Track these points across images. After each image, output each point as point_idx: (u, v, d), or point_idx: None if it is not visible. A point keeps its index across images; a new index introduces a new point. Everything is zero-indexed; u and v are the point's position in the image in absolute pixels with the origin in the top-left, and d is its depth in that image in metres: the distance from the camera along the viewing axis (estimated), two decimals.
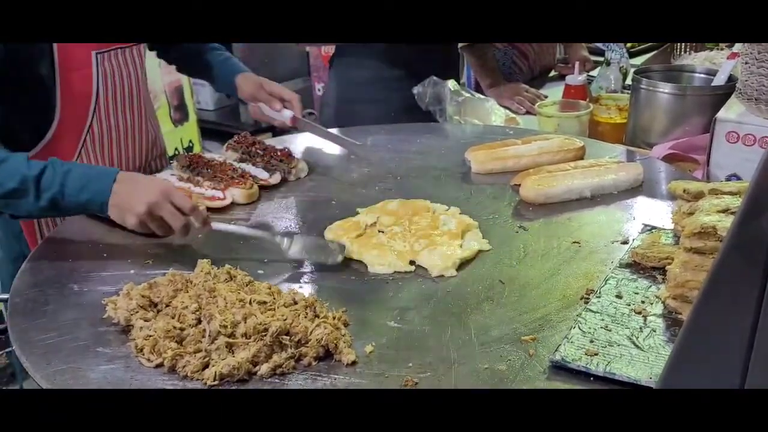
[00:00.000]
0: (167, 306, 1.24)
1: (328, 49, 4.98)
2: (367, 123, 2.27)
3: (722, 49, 2.94)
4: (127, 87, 1.79)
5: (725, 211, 1.26)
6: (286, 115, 1.95)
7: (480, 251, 1.46)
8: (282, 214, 1.70)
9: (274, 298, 1.24)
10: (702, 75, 2.09)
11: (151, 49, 2.09)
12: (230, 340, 1.13)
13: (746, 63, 1.59)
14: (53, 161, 1.43)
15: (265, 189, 1.81)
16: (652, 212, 1.61)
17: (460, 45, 2.68)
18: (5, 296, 1.34)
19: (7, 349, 2.41)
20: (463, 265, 1.42)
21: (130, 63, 1.79)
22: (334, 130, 2.09)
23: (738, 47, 2.18)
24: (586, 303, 1.26)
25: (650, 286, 1.29)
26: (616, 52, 2.59)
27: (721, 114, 1.65)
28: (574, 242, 1.49)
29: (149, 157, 1.95)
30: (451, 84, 2.29)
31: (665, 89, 1.93)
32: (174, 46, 2.06)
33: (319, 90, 5.35)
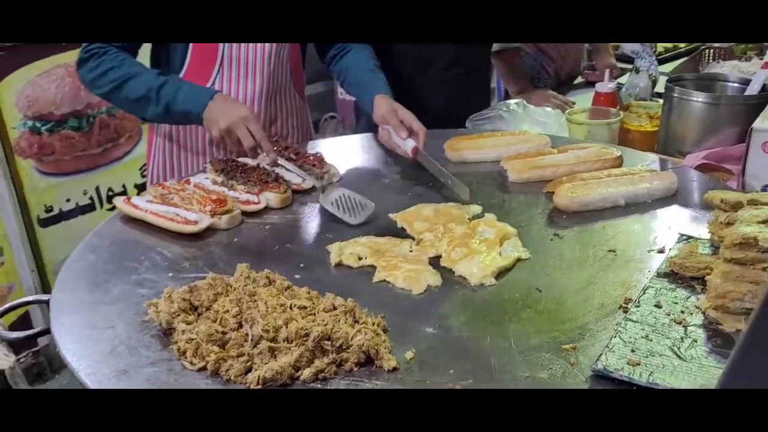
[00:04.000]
0: (207, 309, 1.25)
1: None
2: None
3: (750, 59, 2.92)
4: (252, 58, 1.99)
5: (766, 221, 1.26)
6: (408, 145, 1.88)
7: (518, 259, 1.46)
8: (316, 219, 1.71)
9: (314, 303, 1.25)
10: (735, 84, 2.07)
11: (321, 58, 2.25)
12: (273, 345, 1.13)
13: None
14: (172, 77, 1.86)
15: (298, 193, 1.83)
16: (687, 221, 1.60)
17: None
18: (46, 297, 1.36)
19: (33, 349, 2.44)
20: (500, 272, 1.42)
21: None
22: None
23: None
24: (625, 312, 1.25)
25: (689, 296, 1.28)
26: (645, 59, 2.58)
27: (758, 124, 1.64)
28: (610, 251, 1.49)
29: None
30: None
31: (699, 98, 1.93)
32: (339, 58, 2.18)
33: (341, 94, 5.35)
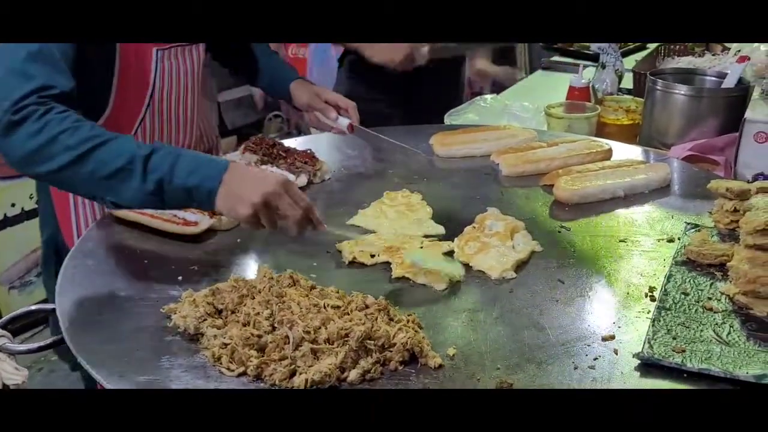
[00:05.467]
0: (233, 313, 1.20)
1: (295, 50, 4.91)
2: (380, 123, 2.22)
3: (703, 54, 3.02)
4: (183, 84, 1.73)
5: None
6: (342, 123, 1.92)
7: (533, 252, 1.46)
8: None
9: (344, 302, 1.22)
10: (712, 78, 2.14)
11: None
12: (314, 347, 1.09)
13: None
14: (161, 144, 1.35)
15: None
16: (686, 211, 1.63)
17: None
18: (51, 306, 1.27)
19: None
20: (518, 265, 1.41)
21: (188, 61, 1.73)
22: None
23: (747, 51, 2.25)
24: (653, 300, 1.27)
25: (712, 283, 1.31)
26: (611, 55, 2.63)
27: (750, 114, 1.69)
28: (621, 241, 1.50)
29: None
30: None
31: (681, 91, 1.98)
32: (228, 49, 2.03)
33: None
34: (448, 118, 2.33)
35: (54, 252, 1.78)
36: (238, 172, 1.33)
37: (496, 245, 1.45)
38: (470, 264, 1.42)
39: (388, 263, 1.43)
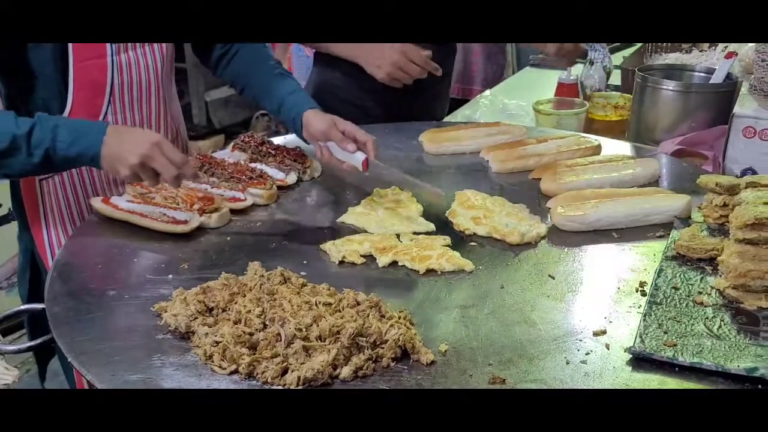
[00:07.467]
0: (223, 311, 1.20)
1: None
2: (355, 121, 2.20)
3: (691, 51, 3.04)
4: (145, 80, 1.68)
5: None
6: (358, 158, 1.68)
7: (518, 244, 1.47)
8: (305, 214, 1.66)
9: (335, 299, 1.21)
10: (701, 73, 2.15)
11: (203, 63, 1.96)
12: (306, 344, 1.09)
13: (763, 61, 1.65)
14: (40, 116, 1.43)
15: (281, 189, 1.77)
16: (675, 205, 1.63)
17: None
18: (40, 306, 1.26)
19: None
20: (507, 261, 1.41)
21: (149, 55, 1.68)
22: None
23: (734, 46, 2.26)
24: (643, 295, 1.27)
25: (702, 277, 1.31)
26: (599, 51, 2.64)
27: (738, 110, 1.70)
28: (610, 236, 1.51)
29: None
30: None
31: (670, 86, 1.99)
32: (228, 60, 1.89)
33: None
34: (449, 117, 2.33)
35: (27, 261, 1.73)
36: (115, 136, 1.43)
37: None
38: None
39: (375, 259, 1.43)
